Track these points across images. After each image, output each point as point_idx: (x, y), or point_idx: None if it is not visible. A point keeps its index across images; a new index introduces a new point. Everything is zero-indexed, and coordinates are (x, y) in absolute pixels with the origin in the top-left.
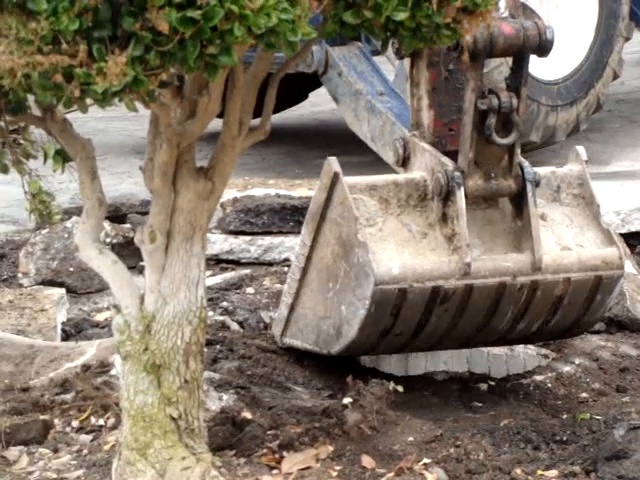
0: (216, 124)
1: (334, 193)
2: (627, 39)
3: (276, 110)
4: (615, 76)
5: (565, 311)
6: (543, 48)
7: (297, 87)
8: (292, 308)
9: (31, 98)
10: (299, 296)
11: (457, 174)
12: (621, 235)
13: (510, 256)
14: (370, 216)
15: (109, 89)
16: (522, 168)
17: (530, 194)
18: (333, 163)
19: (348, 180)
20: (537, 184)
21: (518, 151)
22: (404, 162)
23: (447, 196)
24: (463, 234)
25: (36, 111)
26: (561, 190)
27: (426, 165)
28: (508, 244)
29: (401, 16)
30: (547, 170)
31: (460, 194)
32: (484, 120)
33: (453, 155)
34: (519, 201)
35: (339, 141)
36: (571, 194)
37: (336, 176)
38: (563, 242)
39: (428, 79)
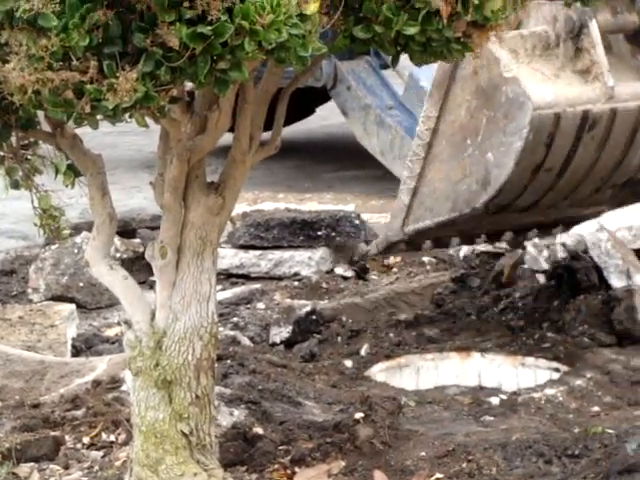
0: (226, 138)
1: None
2: None
3: (285, 124)
4: None
5: None
6: None
7: (306, 101)
8: (415, 192)
9: (41, 114)
10: (423, 176)
11: (587, 9)
12: (634, 250)
13: None
14: (505, 63)
15: (120, 105)
16: None
17: None
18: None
19: None
20: None
21: None
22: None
23: (579, 31)
24: (602, 61)
25: (46, 127)
26: None
27: (544, 17)
28: (633, 78)
29: (411, 30)
30: None
31: (593, 25)
32: None
33: None
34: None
35: (348, 155)
36: None
37: None
38: None
39: None
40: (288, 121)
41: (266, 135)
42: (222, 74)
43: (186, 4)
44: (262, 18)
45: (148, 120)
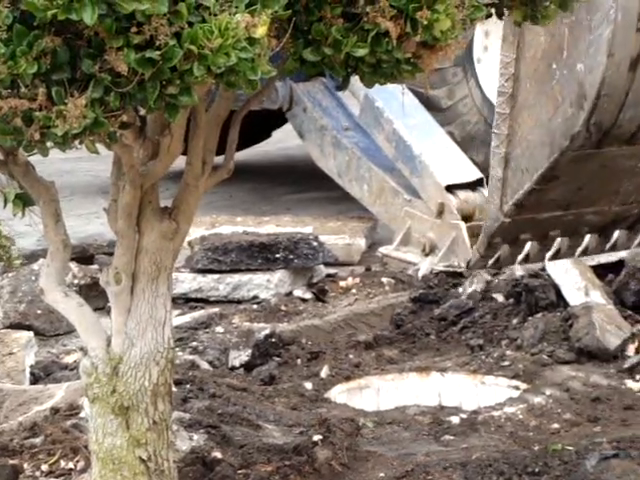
0: (183, 163)
1: None
2: None
3: (243, 147)
4: None
5: None
6: None
7: (262, 124)
8: (507, 158)
9: None
10: (514, 134)
11: None
12: (590, 267)
13: None
14: None
15: (69, 132)
16: None
17: None
18: None
19: None
20: None
21: None
22: None
23: None
24: None
25: None
26: None
27: None
28: None
29: (361, 52)
30: None
31: None
32: None
33: None
34: None
35: (306, 177)
36: None
37: None
38: None
39: None
40: (245, 144)
41: (221, 159)
42: (172, 99)
43: (134, 29)
44: (210, 42)
45: (102, 146)
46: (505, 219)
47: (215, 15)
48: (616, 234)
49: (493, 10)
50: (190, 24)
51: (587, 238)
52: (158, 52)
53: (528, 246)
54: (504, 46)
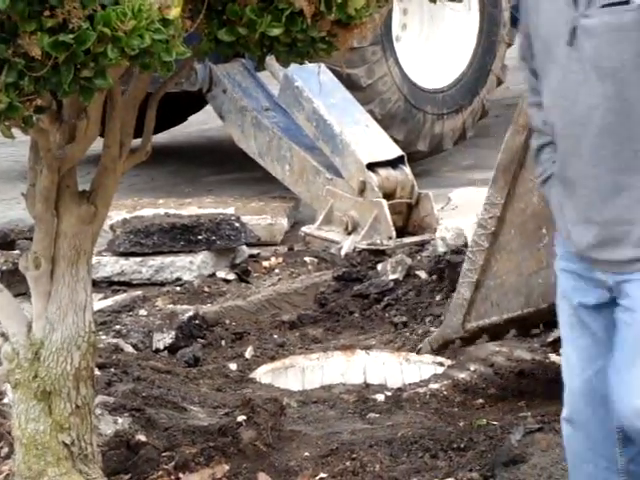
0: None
1: None
2: (509, 45)
3: (163, 129)
4: (499, 82)
5: None
6: None
7: (183, 106)
8: (478, 285)
9: None
10: (489, 267)
11: None
12: None
13: None
14: None
15: None
16: None
17: None
18: None
19: None
20: None
21: None
22: None
23: None
24: None
25: None
26: None
27: None
28: None
29: (275, 32)
30: None
31: None
32: None
33: None
34: None
35: (227, 158)
36: None
37: None
38: None
39: None
40: (166, 126)
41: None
42: (86, 82)
43: (47, 13)
44: (124, 24)
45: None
46: (465, 334)
47: None
48: None
49: None
50: (103, 7)
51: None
52: (71, 35)
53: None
54: (493, 187)
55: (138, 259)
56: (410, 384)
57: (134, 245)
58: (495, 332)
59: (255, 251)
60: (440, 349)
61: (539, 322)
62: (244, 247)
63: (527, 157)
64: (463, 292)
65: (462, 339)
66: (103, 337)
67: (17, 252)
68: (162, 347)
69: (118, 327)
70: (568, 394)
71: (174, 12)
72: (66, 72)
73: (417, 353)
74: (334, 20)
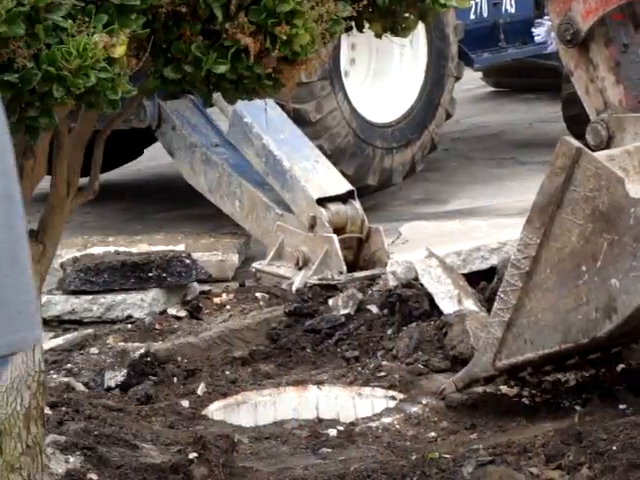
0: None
1: (578, 170)
2: (458, 78)
3: (113, 167)
4: (448, 115)
5: None
6: None
7: (132, 143)
8: (510, 324)
9: None
10: (522, 306)
11: None
12: (463, 275)
13: None
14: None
15: None
16: None
17: None
18: (571, 140)
19: (589, 153)
20: None
21: None
22: (608, 143)
23: None
24: None
25: None
26: None
27: None
28: None
29: (221, 69)
30: None
31: None
32: None
33: None
34: None
35: (178, 195)
36: None
37: (579, 151)
38: None
39: (608, 56)
40: (116, 164)
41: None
42: (32, 121)
43: None
44: (69, 64)
45: None
46: (495, 372)
47: (73, 36)
48: None
49: (353, 23)
50: (48, 46)
51: None
52: (16, 75)
53: None
54: (527, 228)
55: (89, 297)
56: (362, 418)
57: (84, 283)
58: (528, 368)
59: (206, 287)
60: (465, 388)
61: (577, 356)
62: (195, 284)
63: (568, 194)
64: (494, 331)
65: (487, 378)
66: (54, 376)
67: None
68: (114, 385)
69: (69, 366)
70: None
71: (119, 50)
72: (11, 112)
73: (440, 393)
74: (279, 57)
